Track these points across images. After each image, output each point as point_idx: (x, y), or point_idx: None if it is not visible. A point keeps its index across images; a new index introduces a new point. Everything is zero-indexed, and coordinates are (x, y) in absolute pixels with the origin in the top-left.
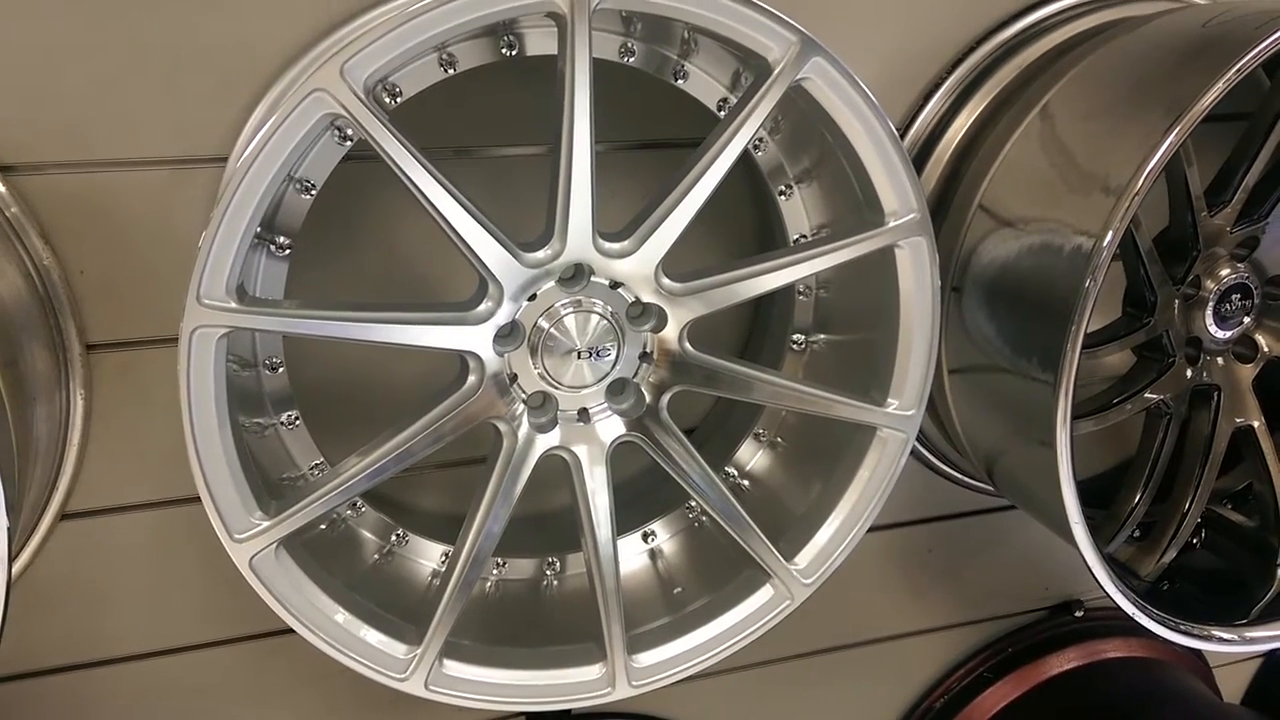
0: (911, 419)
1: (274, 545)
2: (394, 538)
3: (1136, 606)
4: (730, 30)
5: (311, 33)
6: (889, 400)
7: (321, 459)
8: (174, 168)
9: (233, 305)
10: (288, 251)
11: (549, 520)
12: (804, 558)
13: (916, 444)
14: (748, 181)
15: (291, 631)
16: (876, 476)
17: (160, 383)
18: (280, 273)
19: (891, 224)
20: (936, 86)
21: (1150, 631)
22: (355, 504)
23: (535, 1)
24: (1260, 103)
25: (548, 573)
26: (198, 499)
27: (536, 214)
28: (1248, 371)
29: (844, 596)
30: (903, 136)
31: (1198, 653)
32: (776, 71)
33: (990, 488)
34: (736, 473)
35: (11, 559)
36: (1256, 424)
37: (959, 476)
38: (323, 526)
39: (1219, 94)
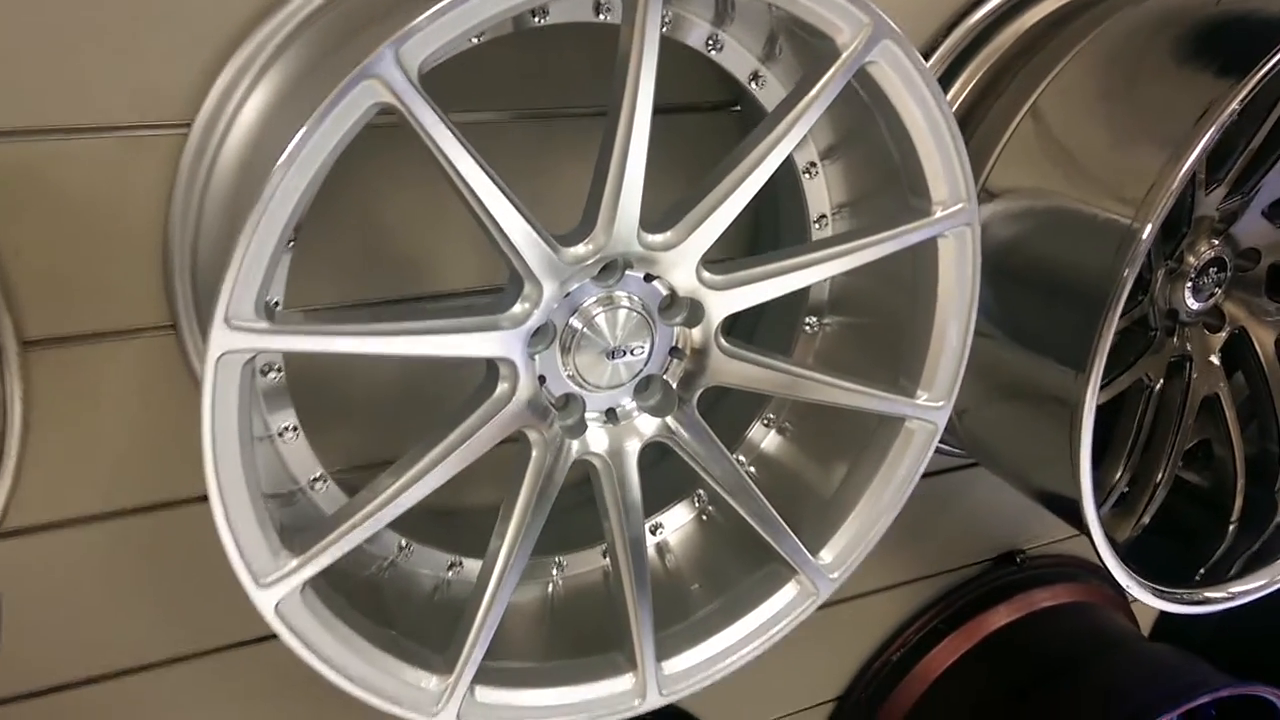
0: (942, 410)
1: (301, 587)
2: (398, 548)
3: (1132, 579)
4: (802, 9)
5: None
6: (919, 391)
7: (321, 470)
8: (128, 135)
9: (264, 325)
10: (290, 243)
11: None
12: (829, 552)
13: None
14: None
15: (263, 640)
16: (904, 467)
17: (109, 382)
18: (283, 267)
19: (939, 214)
20: (927, 55)
21: (1086, 577)
22: None
23: None
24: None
25: (554, 574)
26: (150, 508)
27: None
28: (1216, 341)
29: None
30: None
31: (1122, 593)
32: (845, 54)
33: (955, 449)
34: (745, 459)
35: None
36: (1221, 391)
37: None
38: None
39: (1253, 88)
